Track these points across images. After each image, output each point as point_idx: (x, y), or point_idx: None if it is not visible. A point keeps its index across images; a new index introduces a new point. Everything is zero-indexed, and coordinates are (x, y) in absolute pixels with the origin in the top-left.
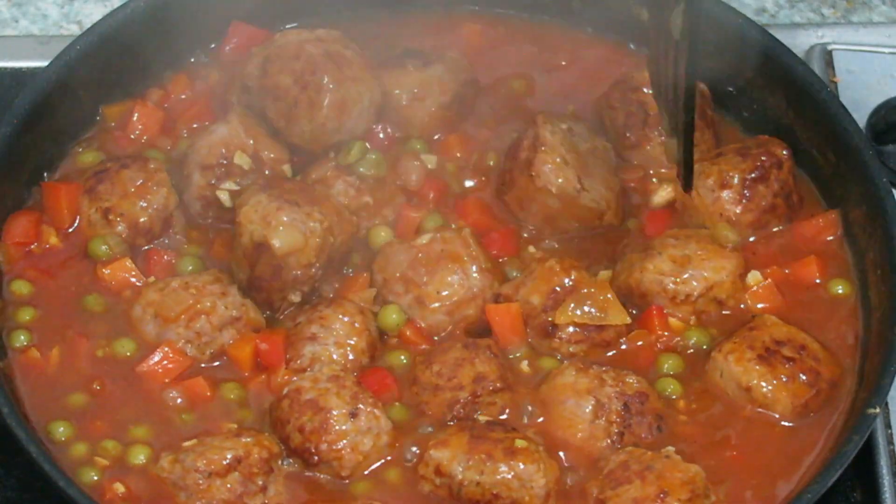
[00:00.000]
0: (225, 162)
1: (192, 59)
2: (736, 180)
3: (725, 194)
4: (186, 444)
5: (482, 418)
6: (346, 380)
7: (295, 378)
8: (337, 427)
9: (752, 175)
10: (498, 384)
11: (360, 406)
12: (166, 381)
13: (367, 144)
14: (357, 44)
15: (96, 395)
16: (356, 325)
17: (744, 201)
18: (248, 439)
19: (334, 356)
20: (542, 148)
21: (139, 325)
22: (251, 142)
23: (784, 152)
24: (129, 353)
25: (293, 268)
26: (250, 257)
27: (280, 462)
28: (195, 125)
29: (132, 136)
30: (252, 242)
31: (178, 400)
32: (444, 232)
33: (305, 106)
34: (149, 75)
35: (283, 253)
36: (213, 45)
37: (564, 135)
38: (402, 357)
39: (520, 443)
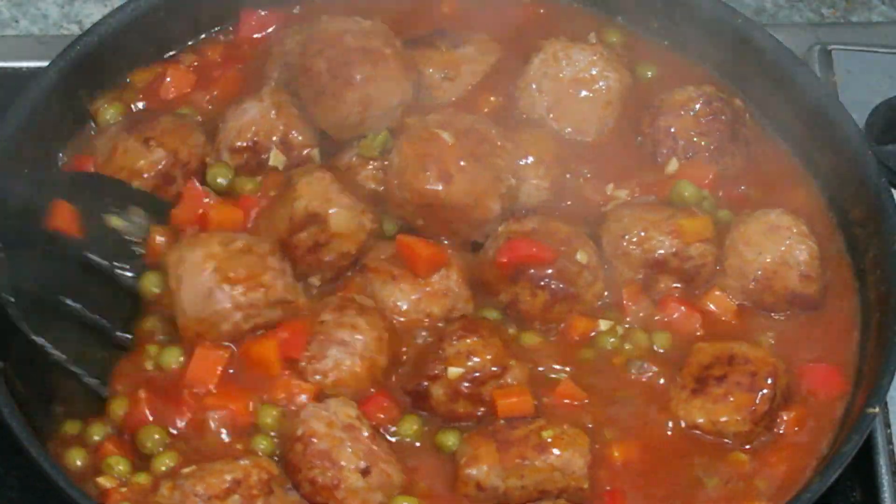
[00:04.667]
0: (254, 144)
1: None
2: None
3: None
4: (185, 470)
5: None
6: (362, 430)
7: (310, 406)
8: (349, 484)
9: None
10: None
11: (374, 462)
12: (210, 387)
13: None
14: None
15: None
16: (383, 340)
17: None
18: (247, 462)
19: (357, 368)
20: None
21: (194, 271)
22: (281, 126)
23: None
24: (175, 366)
25: (333, 250)
26: (296, 224)
27: (283, 488)
28: (231, 91)
29: (164, 97)
30: (306, 211)
31: (218, 424)
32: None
33: (331, 96)
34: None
35: (334, 231)
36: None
37: None
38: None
39: (546, 434)
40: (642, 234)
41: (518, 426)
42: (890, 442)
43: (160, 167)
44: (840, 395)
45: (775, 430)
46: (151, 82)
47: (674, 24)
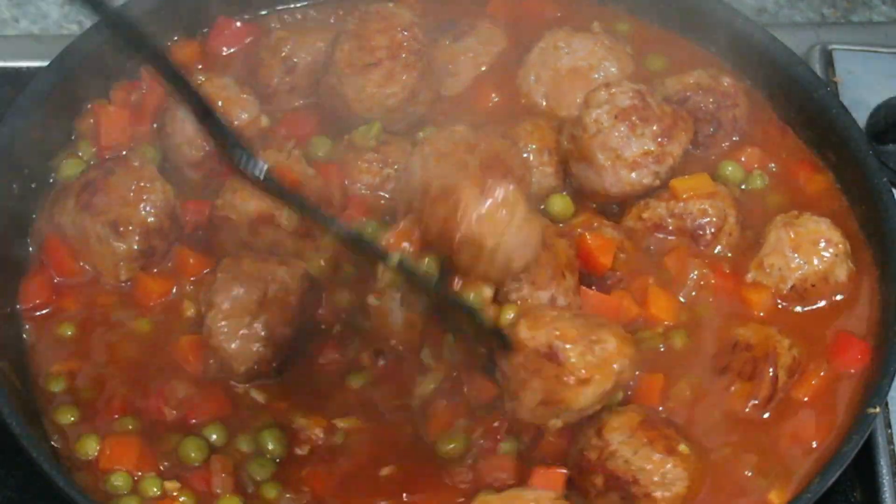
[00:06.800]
0: (211, 150)
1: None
2: None
3: None
4: None
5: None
6: None
7: None
8: None
9: None
10: None
11: None
12: None
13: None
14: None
15: None
16: None
17: None
18: None
19: None
20: None
21: None
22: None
23: None
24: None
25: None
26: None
27: None
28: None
29: (105, 145)
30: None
31: None
32: None
33: (382, 73)
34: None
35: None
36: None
37: None
38: None
39: (682, 447)
40: (641, 203)
41: (671, 427)
42: (891, 442)
43: (137, 248)
44: (861, 364)
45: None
46: (93, 127)
47: (675, 26)
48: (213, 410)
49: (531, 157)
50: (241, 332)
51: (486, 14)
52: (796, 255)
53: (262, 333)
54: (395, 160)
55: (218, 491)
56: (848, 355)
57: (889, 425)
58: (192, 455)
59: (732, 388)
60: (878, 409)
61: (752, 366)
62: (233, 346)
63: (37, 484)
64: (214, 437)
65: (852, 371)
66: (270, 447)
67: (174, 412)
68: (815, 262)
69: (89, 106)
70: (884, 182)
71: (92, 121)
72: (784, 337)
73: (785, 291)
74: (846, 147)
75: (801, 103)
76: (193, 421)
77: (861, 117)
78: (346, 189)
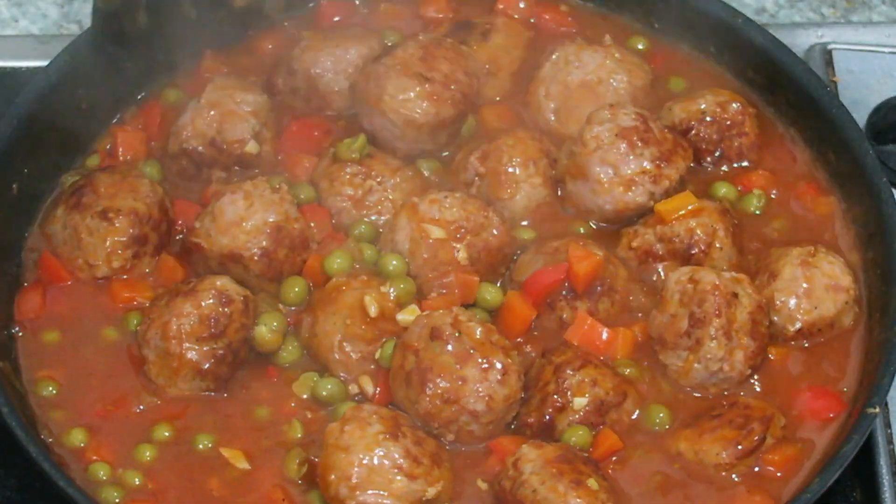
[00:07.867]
0: (185, 150)
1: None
2: None
3: None
4: None
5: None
6: None
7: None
8: None
9: None
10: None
11: None
12: None
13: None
14: None
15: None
16: None
17: None
18: None
19: None
20: None
21: None
22: (214, 125)
23: None
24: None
25: None
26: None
27: None
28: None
29: (122, 159)
30: None
31: None
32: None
33: (428, 90)
34: (149, 75)
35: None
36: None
37: None
38: None
39: (591, 483)
40: (630, 231)
41: (589, 464)
42: (890, 442)
43: (132, 232)
44: (829, 422)
45: (759, 467)
46: (109, 147)
47: (675, 26)
48: (176, 413)
49: (518, 172)
50: (176, 380)
51: (496, 11)
52: (809, 300)
53: (192, 371)
54: (379, 173)
55: None
56: (819, 405)
57: (889, 425)
58: (151, 454)
59: (719, 432)
60: (877, 410)
61: (744, 420)
62: (174, 391)
63: (37, 484)
64: (167, 433)
65: (820, 429)
66: None
67: (145, 410)
68: (828, 308)
69: (107, 129)
70: (884, 182)
71: (109, 145)
72: (782, 415)
73: (791, 332)
74: (846, 147)
75: (801, 103)
76: (160, 420)
77: (861, 117)
78: (332, 225)
